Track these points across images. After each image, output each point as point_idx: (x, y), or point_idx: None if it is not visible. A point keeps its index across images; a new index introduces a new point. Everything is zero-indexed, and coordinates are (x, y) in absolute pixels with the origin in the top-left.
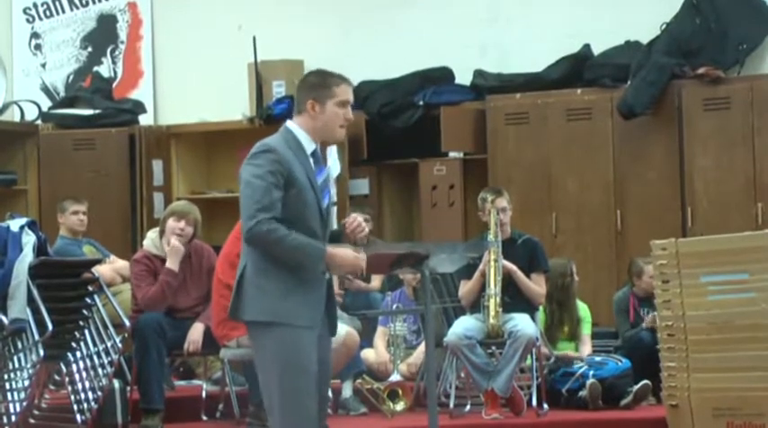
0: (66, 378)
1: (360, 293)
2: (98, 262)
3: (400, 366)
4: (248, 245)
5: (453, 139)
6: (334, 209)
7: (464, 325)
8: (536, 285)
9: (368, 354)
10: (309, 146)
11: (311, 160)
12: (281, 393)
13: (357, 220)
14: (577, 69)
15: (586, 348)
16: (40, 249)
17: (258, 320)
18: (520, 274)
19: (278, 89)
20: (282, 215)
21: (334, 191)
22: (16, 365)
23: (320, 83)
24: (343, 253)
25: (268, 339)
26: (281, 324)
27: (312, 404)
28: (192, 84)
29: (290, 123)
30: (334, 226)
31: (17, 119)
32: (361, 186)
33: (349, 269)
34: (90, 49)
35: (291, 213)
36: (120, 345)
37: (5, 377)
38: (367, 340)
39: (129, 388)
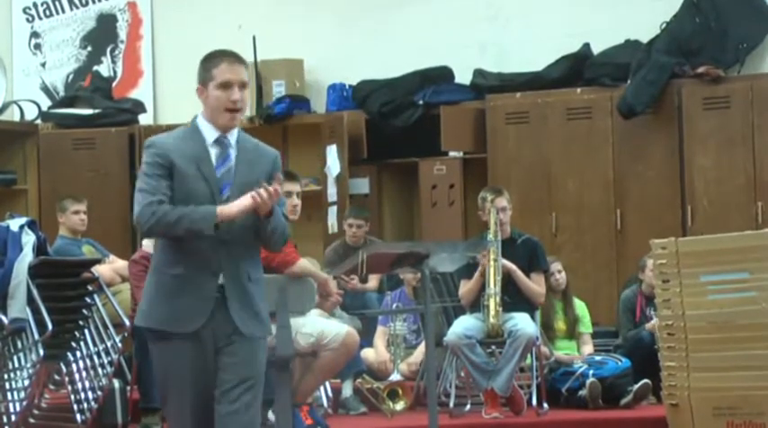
0: (66, 378)
1: (357, 293)
2: (98, 261)
3: (400, 365)
4: (144, 235)
5: (453, 139)
6: (334, 208)
7: (464, 325)
8: (536, 284)
9: (368, 354)
10: (211, 134)
11: (213, 150)
12: (161, 401)
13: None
14: (577, 68)
15: (588, 347)
16: (39, 249)
17: (138, 325)
18: (519, 274)
19: (278, 88)
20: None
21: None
22: (16, 365)
23: (203, 66)
24: (231, 204)
25: (151, 346)
26: (153, 330)
27: (184, 412)
28: (191, 84)
29: (199, 114)
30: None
31: (17, 118)
32: (361, 185)
33: (239, 210)
34: (90, 49)
35: (175, 202)
36: (119, 345)
37: (5, 376)
38: (367, 340)
39: (129, 388)
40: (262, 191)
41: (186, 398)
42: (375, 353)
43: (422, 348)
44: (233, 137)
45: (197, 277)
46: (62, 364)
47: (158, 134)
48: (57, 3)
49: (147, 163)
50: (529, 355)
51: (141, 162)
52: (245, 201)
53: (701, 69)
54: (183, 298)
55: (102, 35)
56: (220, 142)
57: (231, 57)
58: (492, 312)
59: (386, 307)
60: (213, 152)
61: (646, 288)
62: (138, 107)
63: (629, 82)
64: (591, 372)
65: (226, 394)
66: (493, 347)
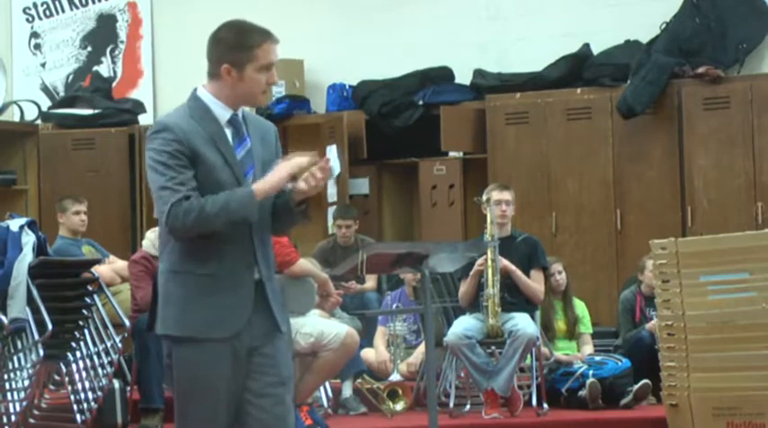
0: (66, 378)
1: (356, 294)
2: (97, 262)
3: (400, 366)
4: (174, 238)
5: (453, 139)
6: (333, 209)
7: (464, 325)
8: (535, 282)
9: (368, 354)
10: (224, 114)
11: (228, 130)
12: (179, 416)
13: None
14: (577, 69)
15: (588, 348)
16: (39, 249)
17: (165, 334)
18: (519, 273)
19: (278, 89)
20: None
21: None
22: (16, 365)
23: (238, 43)
24: (267, 178)
25: (174, 355)
26: (183, 338)
27: (212, 424)
28: (191, 84)
29: (199, 89)
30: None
31: (17, 118)
32: (361, 185)
33: (280, 173)
34: (90, 49)
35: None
36: (119, 345)
37: (5, 377)
38: (367, 339)
39: (128, 388)
40: (317, 170)
41: (218, 410)
42: (375, 353)
43: (421, 348)
44: (239, 113)
45: (232, 274)
46: (62, 364)
47: (163, 115)
48: (57, 3)
49: (163, 151)
50: (529, 355)
51: (150, 148)
52: (282, 172)
53: (700, 69)
54: (220, 299)
55: (102, 35)
56: (233, 122)
57: (272, 34)
58: (491, 312)
59: (386, 307)
60: (228, 133)
61: (645, 288)
62: (138, 107)
63: (628, 82)
64: (591, 372)
65: (269, 397)
66: (493, 347)
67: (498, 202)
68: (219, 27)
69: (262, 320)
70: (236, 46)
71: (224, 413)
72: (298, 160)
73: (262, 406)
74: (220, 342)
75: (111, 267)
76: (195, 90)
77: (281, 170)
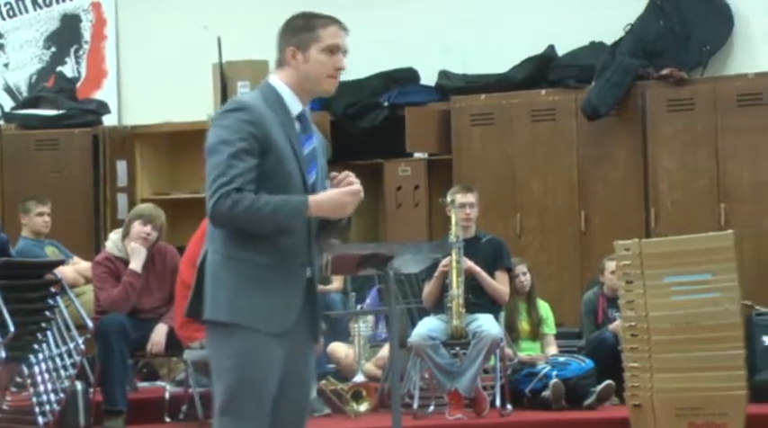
0: (29, 380)
1: (320, 294)
2: (61, 263)
3: (368, 364)
4: (214, 226)
5: (418, 140)
6: None
7: (428, 326)
8: (500, 283)
9: (336, 349)
10: (295, 107)
11: (297, 124)
12: (222, 412)
13: (349, 178)
14: (542, 70)
15: (551, 348)
16: (2, 250)
17: (213, 319)
18: (483, 275)
19: (243, 89)
20: (258, 189)
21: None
22: None
23: (302, 25)
24: (329, 194)
25: (222, 344)
26: (238, 326)
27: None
28: (156, 85)
29: (271, 78)
30: None
31: None
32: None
33: (343, 209)
34: (53, 49)
35: (269, 187)
36: (82, 347)
37: None
38: (333, 337)
39: (91, 390)
40: (358, 187)
41: (263, 408)
42: (345, 347)
43: (387, 348)
44: (307, 111)
45: (287, 268)
46: (24, 366)
47: (242, 95)
48: (20, 3)
49: (234, 131)
50: (493, 356)
51: (221, 125)
52: (345, 205)
53: (664, 71)
54: (273, 292)
55: (65, 35)
56: (302, 118)
57: (338, 20)
58: (455, 314)
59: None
60: (297, 127)
61: (607, 290)
62: (103, 108)
63: (593, 83)
64: (554, 373)
65: (301, 407)
66: (457, 348)
67: (462, 205)
68: (290, 17)
69: (307, 324)
70: (301, 29)
71: (266, 412)
72: (357, 191)
73: (293, 417)
74: (270, 336)
75: (74, 268)
76: (267, 79)
77: (346, 203)
